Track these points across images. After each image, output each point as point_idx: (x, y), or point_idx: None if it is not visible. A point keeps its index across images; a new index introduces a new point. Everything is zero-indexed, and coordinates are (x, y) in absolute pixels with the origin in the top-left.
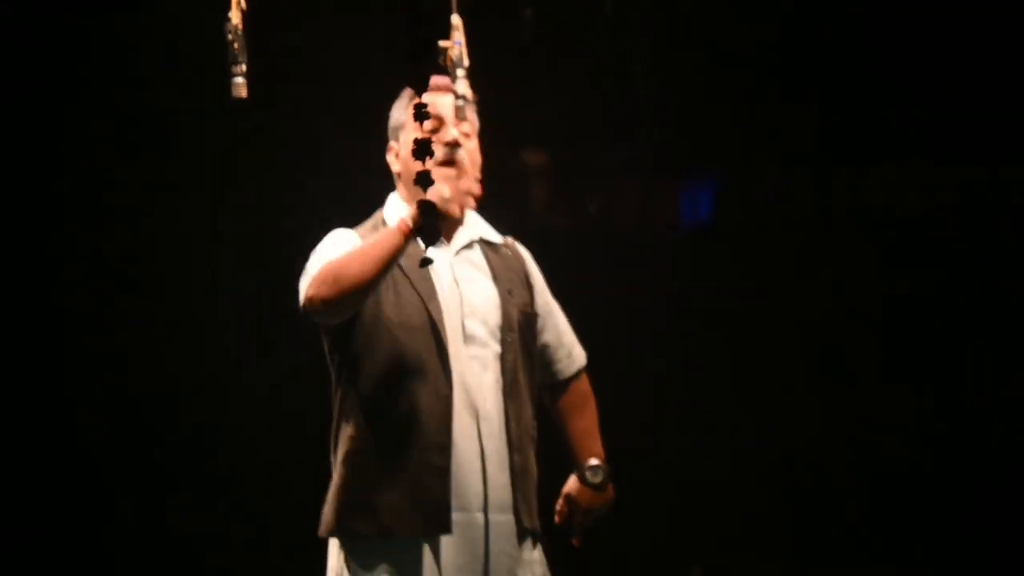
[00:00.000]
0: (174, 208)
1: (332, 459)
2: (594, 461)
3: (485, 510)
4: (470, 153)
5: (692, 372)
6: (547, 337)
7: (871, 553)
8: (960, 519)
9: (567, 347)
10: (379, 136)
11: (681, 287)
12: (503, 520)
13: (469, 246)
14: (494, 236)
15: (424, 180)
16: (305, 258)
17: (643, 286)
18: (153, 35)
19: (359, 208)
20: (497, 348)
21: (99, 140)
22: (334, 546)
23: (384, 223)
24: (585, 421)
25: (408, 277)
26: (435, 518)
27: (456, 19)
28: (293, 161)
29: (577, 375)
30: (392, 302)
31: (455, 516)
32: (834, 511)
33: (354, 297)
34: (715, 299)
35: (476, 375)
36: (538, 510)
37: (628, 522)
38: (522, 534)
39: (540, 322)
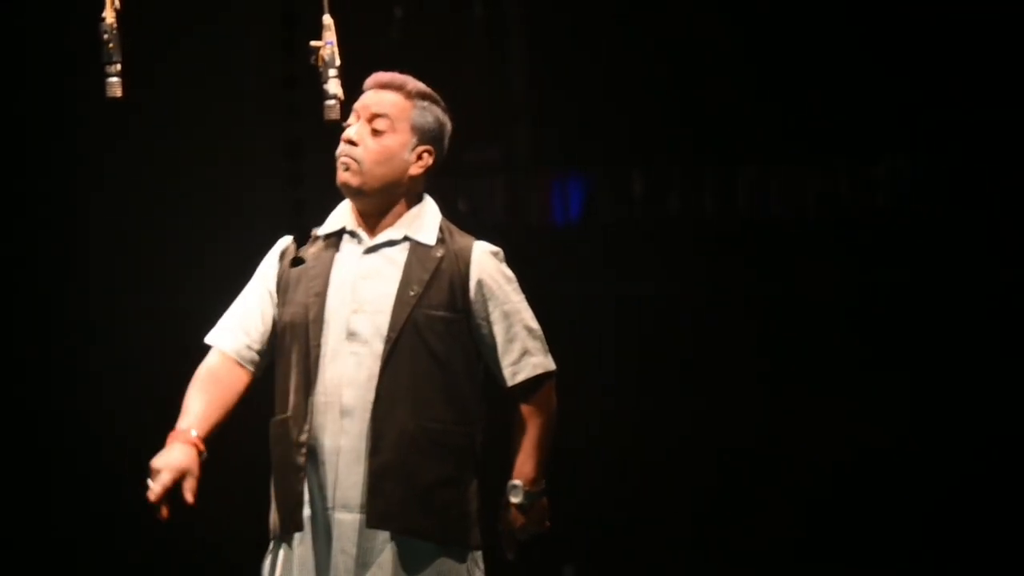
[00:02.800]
0: (47, 206)
1: None
2: (515, 481)
3: (333, 507)
4: (370, 151)
5: (567, 370)
6: (490, 346)
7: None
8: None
9: (513, 358)
10: (253, 133)
11: (554, 283)
12: (347, 519)
13: (390, 244)
14: (424, 237)
15: (292, 179)
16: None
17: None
18: (27, 34)
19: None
20: (381, 347)
21: None
22: None
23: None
24: (521, 437)
25: (307, 274)
26: (290, 516)
27: (328, 19)
28: (167, 160)
29: (519, 389)
30: (289, 301)
31: (307, 512)
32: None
33: None
34: (588, 296)
35: (351, 371)
36: (447, 521)
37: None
38: (376, 535)
39: (484, 329)
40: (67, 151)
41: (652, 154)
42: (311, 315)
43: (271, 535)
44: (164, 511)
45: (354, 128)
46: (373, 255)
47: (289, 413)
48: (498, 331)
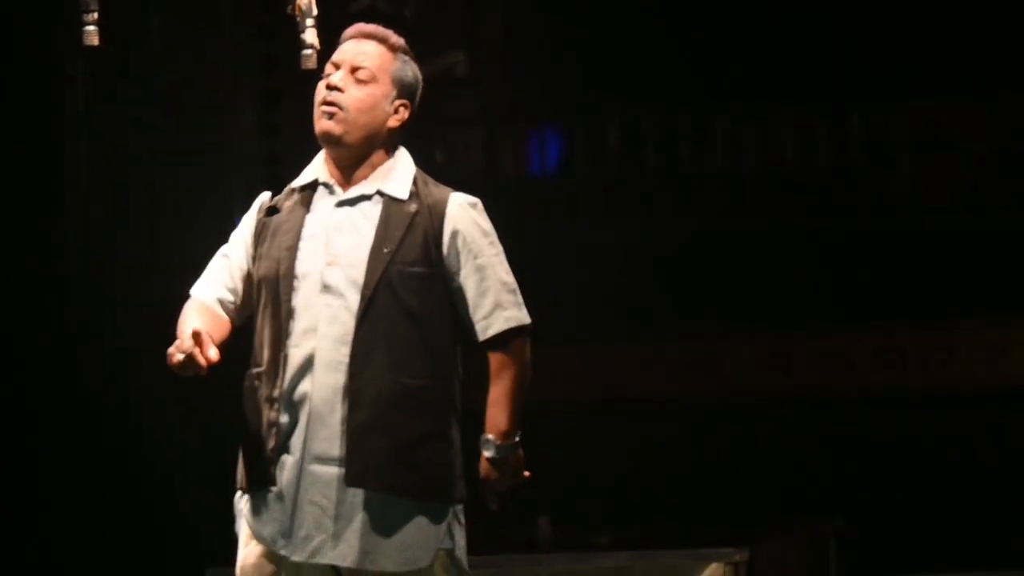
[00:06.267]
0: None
1: None
2: (487, 435)
3: (305, 459)
4: (355, 99)
5: (545, 319)
6: (463, 300)
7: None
8: None
9: (485, 312)
10: (230, 84)
11: (531, 233)
12: (320, 471)
13: (363, 198)
14: (397, 191)
15: (265, 130)
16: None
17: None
18: None
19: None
20: (356, 300)
21: None
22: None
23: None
24: (494, 391)
25: (280, 228)
26: (262, 471)
27: None
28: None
29: (491, 343)
30: (263, 255)
31: (281, 466)
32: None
33: None
34: (565, 244)
35: (325, 324)
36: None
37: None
38: (353, 491)
39: (456, 282)
40: (43, 101)
41: (628, 104)
42: (282, 269)
43: (239, 488)
44: (195, 362)
45: (338, 75)
46: (346, 208)
47: (263, 367)
48: (471, 284)
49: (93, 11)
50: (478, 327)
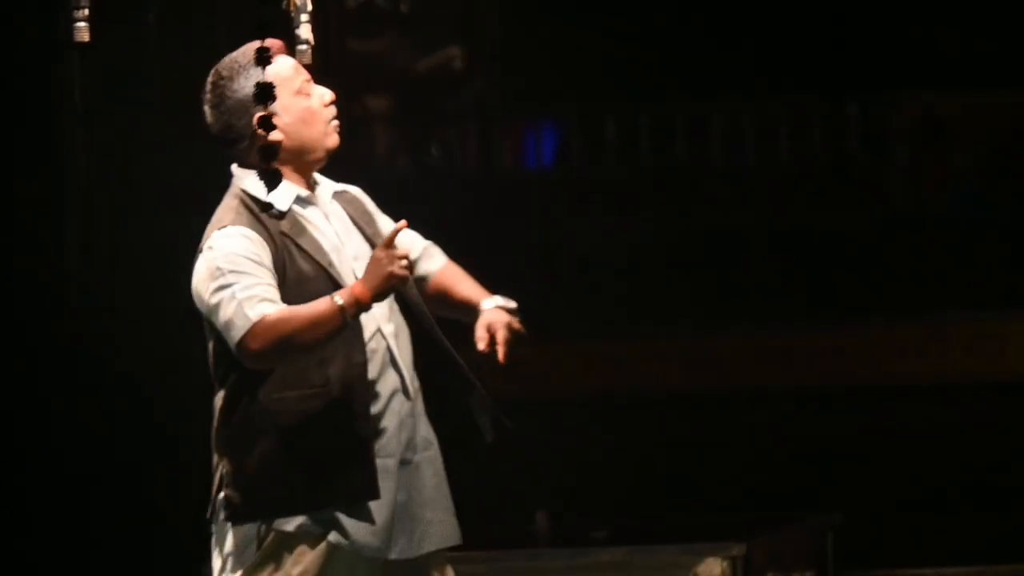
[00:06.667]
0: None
1: (220, 446)
2: (495, 297)
3: (409, 455)
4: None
5: (542, 314)
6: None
7: None
8: None
9: (427, 256)
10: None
11: (528, 228)
12: (422, 458)
13: (328, 200)
14: (336, 185)
15: (266, 124)
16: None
17: (489, 227)
18: None
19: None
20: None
21: None
22: (240, 532)
23: (247, 202)
24: (469, 285)
25: (301, 247)
26: (363, 485)
27: None
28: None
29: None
30: (296, 277)
31: (382, 471)
32: None
33: (303, 357)
34: (561, 238)
35: (385, 323)
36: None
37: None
38: (433, 468)
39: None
40: (40, 99)
41: (624, 98)
42: (342, 283)
43: (284, 513)
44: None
45: (327, 91)
46: (331, 212)
47: (326, 385)
48: (416, 245)
49: (84, 7)
50: (424, 263)
